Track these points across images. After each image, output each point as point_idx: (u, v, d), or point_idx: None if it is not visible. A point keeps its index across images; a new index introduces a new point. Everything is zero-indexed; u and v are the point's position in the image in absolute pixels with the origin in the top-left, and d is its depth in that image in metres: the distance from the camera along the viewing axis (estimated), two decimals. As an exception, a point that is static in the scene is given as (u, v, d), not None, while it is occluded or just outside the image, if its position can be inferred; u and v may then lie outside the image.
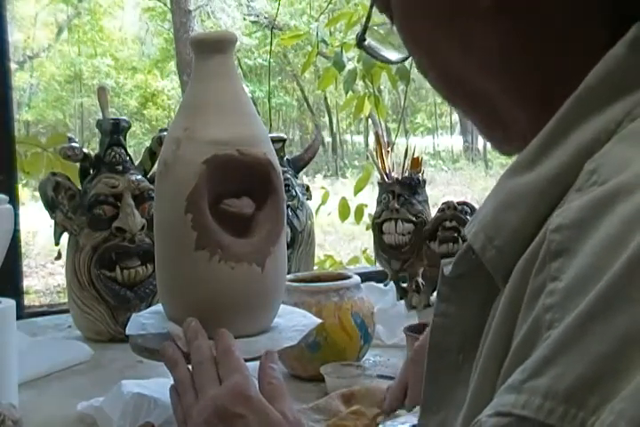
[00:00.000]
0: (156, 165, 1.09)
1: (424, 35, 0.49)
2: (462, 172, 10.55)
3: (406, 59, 0.57)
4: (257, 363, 0.73)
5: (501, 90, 0.47)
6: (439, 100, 11.79)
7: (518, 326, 0.36)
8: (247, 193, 0.78)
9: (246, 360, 0.70)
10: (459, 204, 1.38)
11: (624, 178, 0.34)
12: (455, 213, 1.36)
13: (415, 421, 0.93)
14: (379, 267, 1.53)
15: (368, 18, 0.57)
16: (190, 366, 0.70)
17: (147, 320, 0.82)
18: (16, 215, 1.25)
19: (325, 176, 9.79)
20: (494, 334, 0.40)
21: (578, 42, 0.43)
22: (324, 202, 2.54)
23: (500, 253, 0.41)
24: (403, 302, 1.40)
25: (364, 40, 0.58)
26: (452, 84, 0.50)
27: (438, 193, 7.05)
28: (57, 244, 1.40)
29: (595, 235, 0.33)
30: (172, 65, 9.49)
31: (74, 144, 1.38)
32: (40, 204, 1.39)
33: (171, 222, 0.77)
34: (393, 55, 0.59)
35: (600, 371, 0.30)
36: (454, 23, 0.46)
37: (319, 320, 0.86)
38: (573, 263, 0.33)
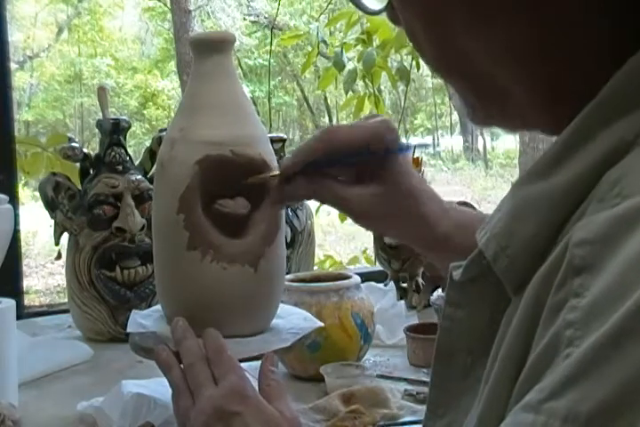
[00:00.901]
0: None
1: (428, 2, 0.46)
2: (462, 172, 10.55)
3: (382, 11, 0.52)
4: (255, 363, 0.73)
5: (510, 79, 0.45)
6: (439, 100, 11.82)
7: (536, 340, 0.35)
8: (243, 193, 0.78)
9: (239, 361, 0.70)
10: (459, 204, 1.38)
11: None
12: (455, 213, 1.36)
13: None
14: (379, 267, 1.53)
15: None
16: (182, 366, 0.70)
17: (144, 319, 0.82)
18: (16, 215, 1.26)
19: (325, 176, 9.76)
20: (509, 347, 0.39)
21: (588, 37, 0.42)
22: (324, 202, 2.54)
23: (512, 262, 0.41)
24: (403, 302, 1.40)
25: None
26: (449, 63, 0.48)
27: (438, 193, 7.05)
28: (57, 244, 1.40)
29: (620, 252, 0.32)
30: (172, 65, 9.49)
31: (74, 144, 1.38)
32: (40, 204, 1.39)
33: (165, 222, 0.77)
34: (374, 4, 0.53)
35: (623, 397, 0.29)
36: (464, 5, 0.44)
37: (319, 323, 0.85)
38: (598, 280, 0.32)
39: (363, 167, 0.71)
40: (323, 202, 0.72)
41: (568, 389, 0.30)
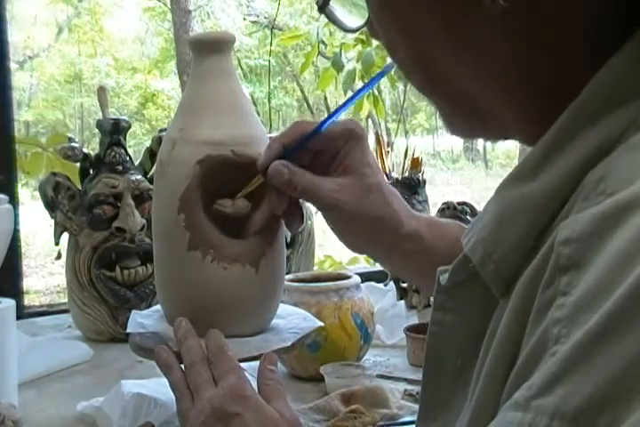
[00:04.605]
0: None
1: (407, 15, 0.45)
2: (462, 172, 10.54)
3: (362, 27, 0.52)
4: (254, 363, 0.73)
5: (492, 97, 0.45)
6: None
7: (526, 339, 0.36)
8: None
9: (239, 361, 0.70)
10: (459, 204, 1.38)
11: (635, 190, 0.33)
12: (455, 213, 1.36)
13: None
14: (379, 267, 1.53)
15: None
16: (183, 366, 0.70)
17: (144, 319, 0.82)
18: (16, 215, 1.26)
19: (325, 176, 9.74)
20: (498, 348, 0.39)
21: (579, 53, 0.42)
22: (324, 202, 2.53)
23: (498, 267, 0.41)
24: (403, 302, 1.40)
25: (328, 4, 0.53)
26: (429, 80, 0.48)
27: (438, 193, 7.04)
28: (57, 244, 1.40)
29: (605, 249, 0.32)
30: (172, 65, 9.48)
31: (74, 144, 1.38)
32: (40, 204, 1.39)
33: (165, 222, 0.77)
34: (353, 21, 0.53)
35: (610, 392, 0.29)
36: (448, 17, 0.44)
37: (319, 323, 0.85)
38: (584, 278, 0.32)
39: (331, 159, 0.71)
40: (297, 193, 0.71)
41: (555, 386, 0.30)
